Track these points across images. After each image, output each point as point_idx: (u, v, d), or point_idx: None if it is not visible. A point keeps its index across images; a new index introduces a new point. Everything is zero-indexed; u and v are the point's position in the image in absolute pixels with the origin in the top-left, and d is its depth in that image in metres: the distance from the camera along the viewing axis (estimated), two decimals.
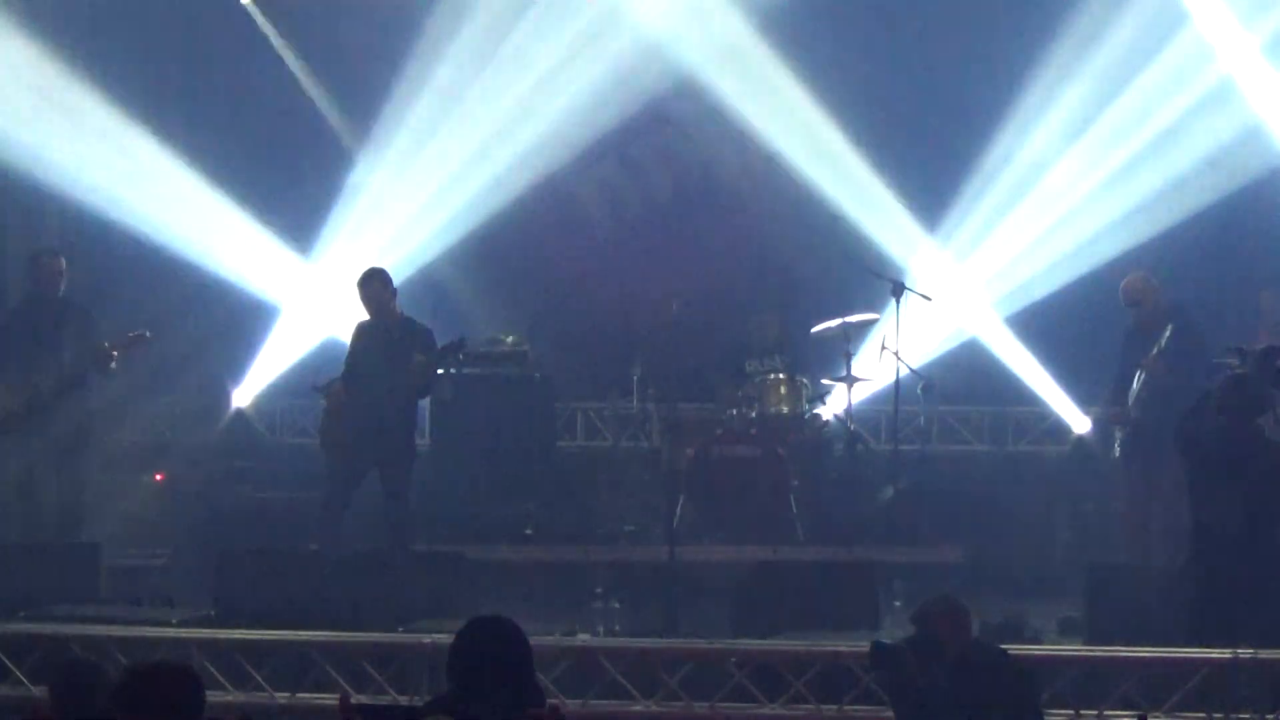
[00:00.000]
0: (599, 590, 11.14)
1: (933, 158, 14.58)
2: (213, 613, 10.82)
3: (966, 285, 14.42)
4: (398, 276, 12.60)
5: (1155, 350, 11.93)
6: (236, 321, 14.66)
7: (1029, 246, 14.29)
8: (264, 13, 15.21)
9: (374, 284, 11.97)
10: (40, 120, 13.81)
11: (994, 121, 14.37)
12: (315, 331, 14.54)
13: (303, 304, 14.68)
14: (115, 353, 12.10)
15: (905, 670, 7.81)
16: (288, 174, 14.98)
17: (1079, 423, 14.02)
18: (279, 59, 15.16)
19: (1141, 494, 12.10)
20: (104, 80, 14.03)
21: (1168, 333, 11.84)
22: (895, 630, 10.14)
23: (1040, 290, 14.24)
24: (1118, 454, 12.34)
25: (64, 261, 12.43)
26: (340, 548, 11.63)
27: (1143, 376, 12.02)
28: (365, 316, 12.17)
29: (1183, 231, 13.85)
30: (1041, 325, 14.23)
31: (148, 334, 12.34)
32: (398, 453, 11.79)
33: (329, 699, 9.50)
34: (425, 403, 12.90)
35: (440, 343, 11.84)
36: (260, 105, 15.17)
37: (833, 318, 13.30)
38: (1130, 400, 12.19)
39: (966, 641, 7.92)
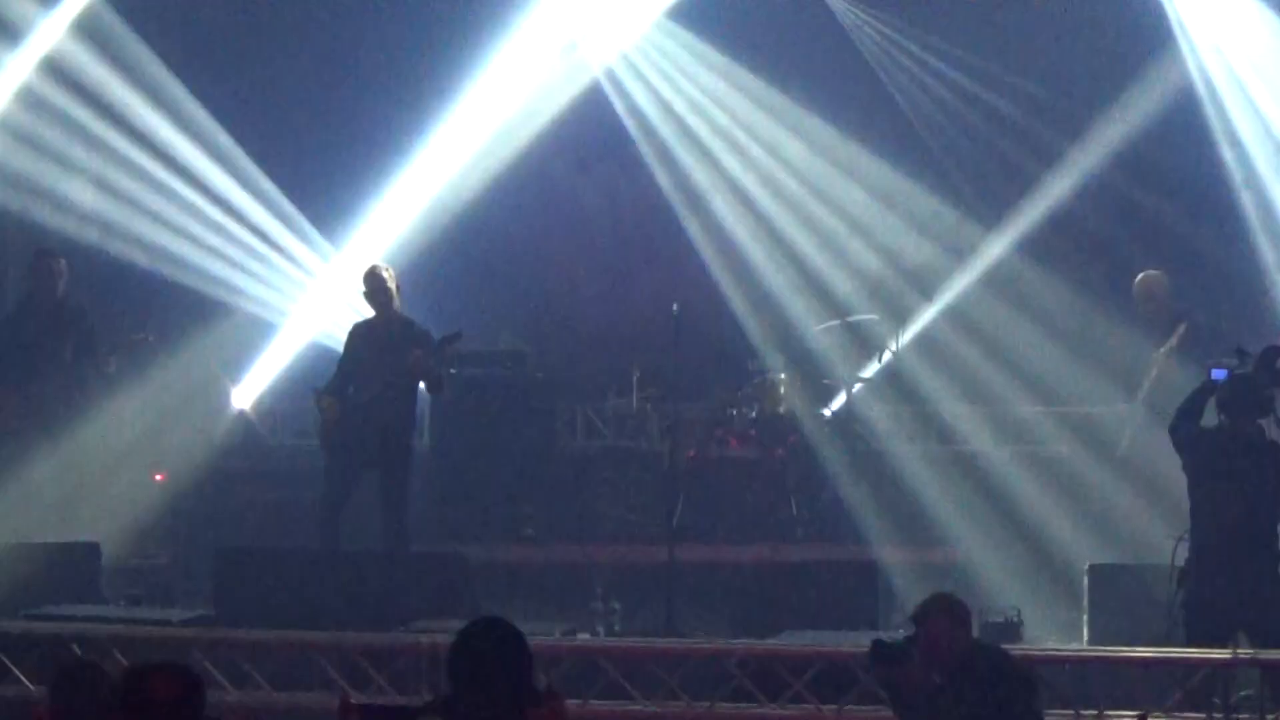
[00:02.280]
0: (599, 590, 11.13)
1: (934, 154, 14.62)
2: (213, 613, 10.82)
3: (965, 283, 14.42)
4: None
5: (1167, 347, 11.97)
6: (239, 320, 14.66)
7: (1027, 243, 14.31)
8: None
9: (379, 278, 11.94)
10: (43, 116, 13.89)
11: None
12: (318, 331, 14.55)
13: (306, 303, 14.69)
14: (113, 357, 12.13)
15: (906, 669, 7.81)
16: (295, 173, 15.02)
17: (1079, 422, 14.01)
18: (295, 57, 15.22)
19: (1144, 493, 12.10)
20: (123, 74, 14.10)
21: (1181, 330, 11.88)
22: (895, 630, 10.16)
23: (1039, 288, 14.25)
24: (1124, 451, 12.37)
25: (64, 263, 12.43)
26: (338, 547, 11.62)
27: (1153, 373, 12.04)
28: (363, 317, 12.15)
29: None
30: (1042, 323, 14.24)
31: (150, 337, 12.36)
32: (396, 453, 11.76)
33: (329, 699, 9.50)
34: (425, 403, 12.87)
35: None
36: (272, 104, 15.21)
37: (833, 318, 13.29)
38: (1139, 397, 12.22)
39: (966, 641, 7.92)
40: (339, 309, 14.29)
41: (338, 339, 13.22)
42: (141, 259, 14.37)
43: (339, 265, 14.70)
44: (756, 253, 15.14)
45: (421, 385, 11.92)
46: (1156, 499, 11.98)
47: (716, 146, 14.89)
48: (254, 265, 14.68)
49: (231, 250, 14.61)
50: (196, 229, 14.54)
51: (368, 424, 11.64)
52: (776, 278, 14.91)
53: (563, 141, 15.15)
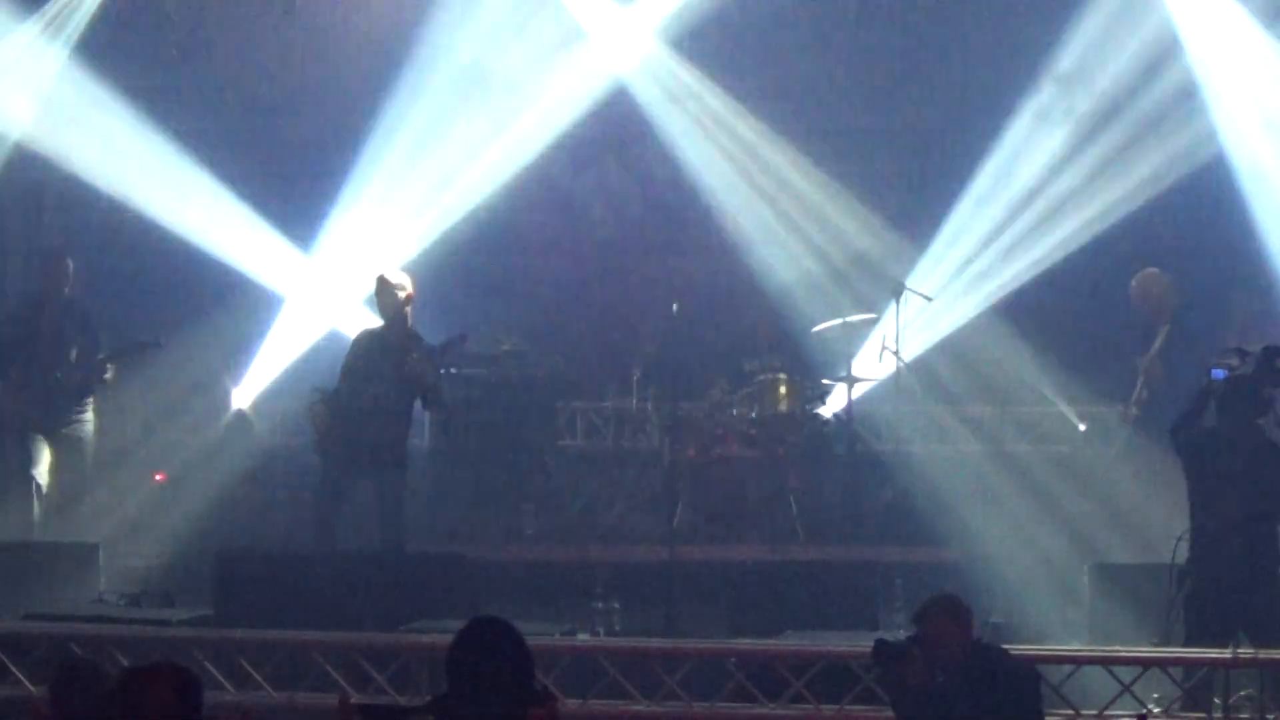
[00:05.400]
0: (599, 590, 11.13)
1: (932, 153, 14.62)
2: (213, 613, 10.82)
3: (966, 283, 14.41)
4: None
5: (1152, 352, 12.01)
6: (237, 320, 14.65)
7: (1029, 242, 14.30)
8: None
9: (388, 287, 11.90)
10: (44, 114, 13.89)
11: (991, 118, 14.42)
12: (316, 329, 14.54)
13: (305, 301, 14.67)
14: (111, 365, 12.16)
15: (907, 669, 7.81)
16: (291, 167, 15.00)
17: (1079, 423, 14.02)
18: (283, 48, 15.20)
19: (1144, 493, 12.11)
20: (105, 74, 14.07)
21: (1161, 338, 11.94)
22: (895, 630, 10.15)
23: (1040, 288, 14.25)
24: (1122, 451, 12.39)
25: (71, 263, 12.45)
26: (334, 547, 11.61)
27: (1142, 379, 12.08)
28: (370, 322, 12.14)
29: (1158, 231, 13.93)
30: (1041, 323, 14.24)
31: (159, 340, 12.38)
32: (392, 458, 11.74)
33: (329, 699, 9.50)
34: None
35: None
36: (264, 97, 15.19)
37: (833, 318, 13.30)
38: (1132, 399, 12.24)
39: (967, 641, 7.92)
40: (338, 309, 14.31)
41: (338, 339, 13.26)
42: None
43: (339, 265, 14.69)
44: (757, 251, 15.17)
45: (418, 403, 11.93)
46: (1155, 499, 12.01)
47: (721, 142, 14.90)
48: (255, 264, 14.68)
49: (231, 247, 14.60)
50: (193, 227, 14.54)
51: (364, 429, 11.63)
52: (778, 277, 14.93)
53: (563, 141, 15.16)
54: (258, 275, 14.62)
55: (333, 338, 13.83)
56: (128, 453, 13.95)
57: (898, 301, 12.77)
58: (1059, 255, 14.15)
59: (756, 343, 13.87)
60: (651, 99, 14.98)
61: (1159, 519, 11.85)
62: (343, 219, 14.80)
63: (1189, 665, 9.42)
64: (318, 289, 14.60)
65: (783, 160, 14.73)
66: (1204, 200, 14.01)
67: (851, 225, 14.56)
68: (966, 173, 14.42)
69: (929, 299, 13.23)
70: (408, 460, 11.95)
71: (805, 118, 14.74)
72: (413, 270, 13.24)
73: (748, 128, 14.79)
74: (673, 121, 15.09)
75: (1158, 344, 11.96)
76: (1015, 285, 14.30)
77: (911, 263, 14.26)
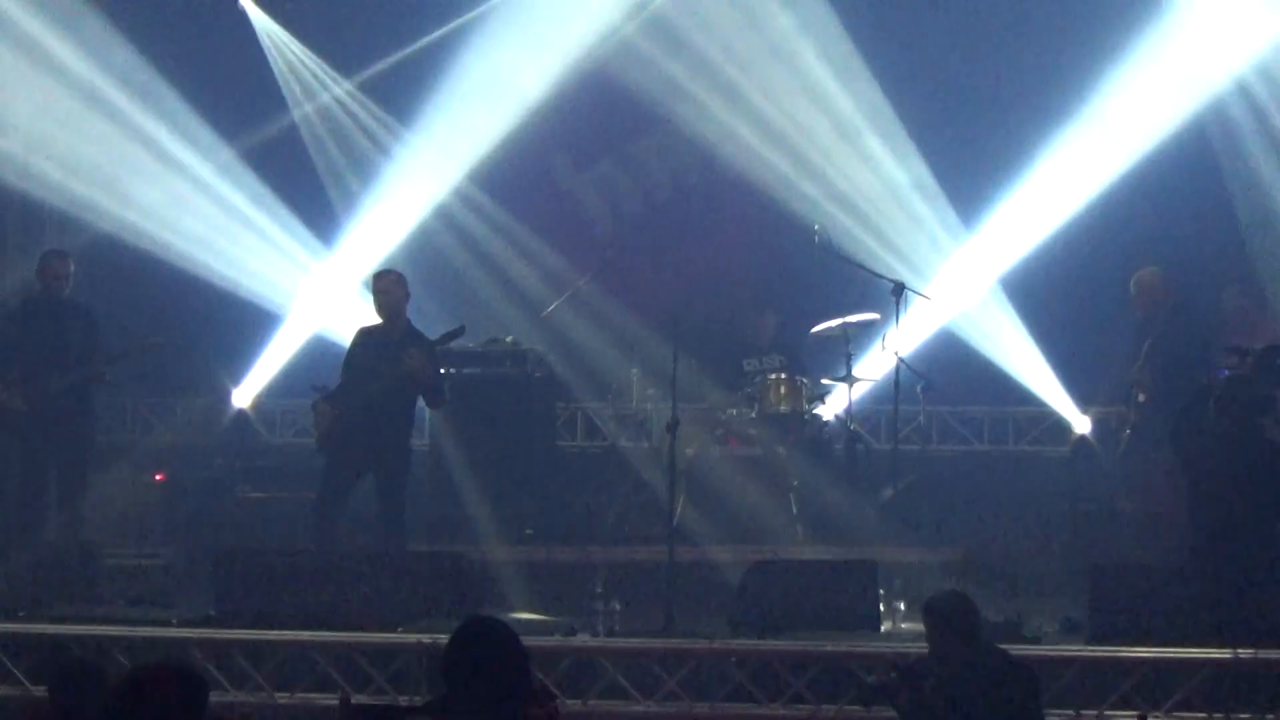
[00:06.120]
0: (599, 590, 11.12)
1: (932, 154, 14.62)
2: (213, 613, 10.82)
3: (966, 283, 14.42)
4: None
5: (1137, 368, 12.10)
6: (238, 321, 14.65)
7: (1029, 242, 14.31)
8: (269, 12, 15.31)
9: (387, 284, 11.92)
10: (42, 117, 13.86)
11: (989, 116, 14.43)
12: (315, 330, 14.54)
13: (304, 303, 14.68)
14: (107, 369, 12.19)
15: (900, 696, 7.82)
16: (292, 170, 15.02)
17: (1079, 423, 14.03)
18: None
19: (1152, 492, 12.13)
20: (112, 76, 14.08)
21: (1145, 347, 12.00)
22: (895, 630, 10.16)
23: (1041, 288, 14.26)
24: (1124, 450, 12.43)
25: (72, 263, 12.45)
26: (335, 547, 11.62)
27: (1137, 391, 12.15)
28: (369, 320, 12.14)
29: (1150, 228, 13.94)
30: (1042, 323, 14.24)
31: (163, 341, 12.39)
32: (393, 456, 11.75)
33: (329, 699, 9.52)
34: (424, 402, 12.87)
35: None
36: (271, 98, 15.23)
37: (833, 318, 13.30)
38: (1131, 406, 12.28)
39: (976, 643, 7.92)
40: (339, 308, 14.31)
41: (338, 337, 13.25)
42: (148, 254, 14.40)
43: (338, 265, 14.70)
44: (757, 250, 15.18)
45: (420, 400, 11.94)
46: (1156, 499, 12.01)
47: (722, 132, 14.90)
48: (254, 263, 14.67)
49: (230, 248, 14.60)
50: (193, 226, 14.53)
51: (364, 427, 11.63)
52: (779, 276, 14.93)
53: (562, 139, 15.17)
54: (261, 275, 14.63)
55: (332, 340, 13.82)
56: (128, 453, 13.95)
57: (899, 301, 12.77)
58: (1059, 253, 14.17)
59: (757, 343, 13.87)
60: (652, 98, 14.99)
61: (1160, 519, 11.88)
62: (350, 216, 14.84)
63: (1189, 665, 9.43)
64: (327, 285, 14.60)
65: (785, 159, 14.72)
66: (1197, 198, 14.04)
67: (853, 225, 14.55)
68: (969, 174, 14.45)
69: (929, 299, 13.23)
70: (409, 458, 11.95)
71: (806, 117, 14.72)
72: (413, 270, 13.31)
73: (749, 127, 14.79)
74: (674, 120, 15.11)
75: (1143, 356, 12.05)
76: (1014, 285, 14.32)
77: (912, 262, 14.29)
